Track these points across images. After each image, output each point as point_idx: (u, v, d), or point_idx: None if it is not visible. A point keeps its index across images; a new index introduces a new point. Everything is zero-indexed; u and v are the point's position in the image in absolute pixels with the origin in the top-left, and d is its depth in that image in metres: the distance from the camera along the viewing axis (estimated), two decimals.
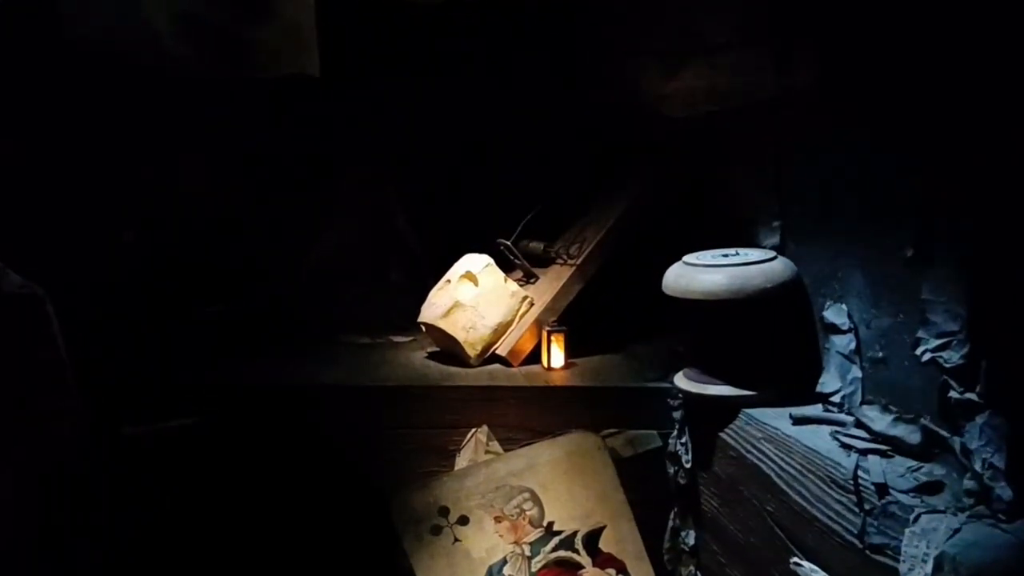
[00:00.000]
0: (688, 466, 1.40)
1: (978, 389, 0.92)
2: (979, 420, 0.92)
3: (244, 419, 1.55)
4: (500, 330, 1.70)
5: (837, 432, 1.13)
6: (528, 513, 1.49)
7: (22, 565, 1.26)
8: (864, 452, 1.05)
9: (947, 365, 0.96)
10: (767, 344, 1.30)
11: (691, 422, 1.41)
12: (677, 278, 1.32)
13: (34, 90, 1.67)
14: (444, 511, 1.46)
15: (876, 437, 1.08)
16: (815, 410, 1.23)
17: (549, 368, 1.64)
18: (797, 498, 1.12)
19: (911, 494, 0.96)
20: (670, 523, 1.48)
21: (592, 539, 1.48)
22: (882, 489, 0.97)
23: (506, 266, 1.83)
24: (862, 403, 1.18)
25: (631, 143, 1.87)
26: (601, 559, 1.48)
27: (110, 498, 1.43)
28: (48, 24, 1.57)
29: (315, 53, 1.72)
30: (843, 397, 1.21)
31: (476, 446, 1.52)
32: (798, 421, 1.20)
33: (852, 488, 1.00)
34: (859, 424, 1.13)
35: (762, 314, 1.27)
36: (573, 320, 1.68)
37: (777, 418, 1.22)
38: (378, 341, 1.89)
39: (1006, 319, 0.89)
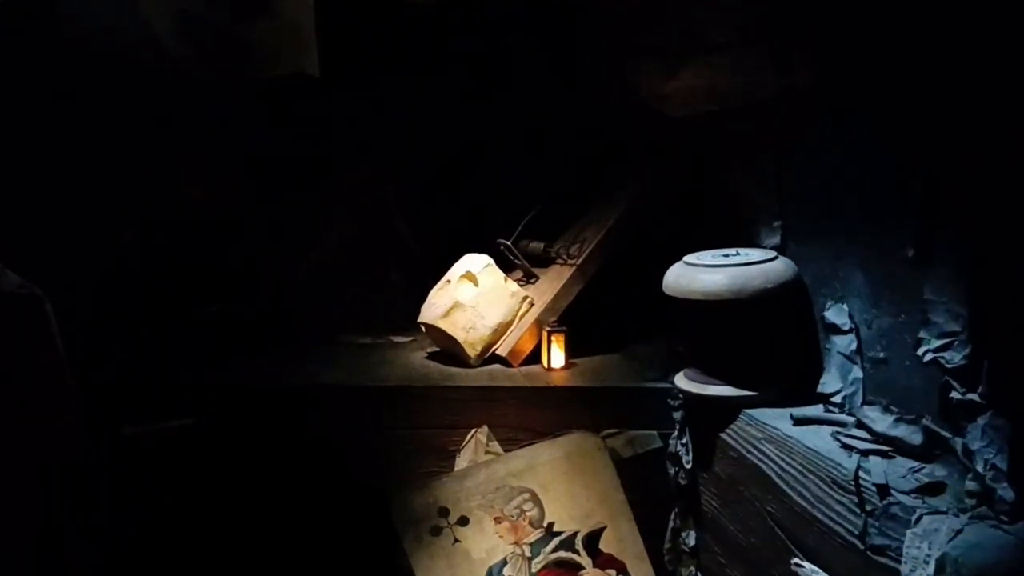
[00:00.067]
0: (688, 466, 1.40)
1: (980, 390, 0.92)
2: (981, 421, 0.92)
3: (244, 419, 1.55)
4: (500, 330, 1.70)
5: (838, 433, 1.13)
6: (528, 514, 1.49)
7: (22, 565, 1.26)
8: (865, 453, 1.05)
9: (949, 366, 0.96)
10: (768, 344, 1.30)
11: (691, 422, 1.40)
12: (677, 278, 1.32)
13: (34, 90, 1.67)
14: (444, 512, 1.46)
15: (877, 438, 1.08)
16: (816, 410, 1.22)
17: (549, 368, 1.64)
18: (798, 499, 1.11)
19: (913, 495, 0.95)
20: (670, 524, 1.47)
21: (592, 540, 1.48)
22: (883, 490, 0.97)
23: (506, 266, 1.83)
24: (863, 404, 1.17)
25: (631, 143, 1.87)
26: (601, 560, 1.47)
27: (110, 498, 1.43)
28: (48, 24, 1.57)
29: (315, 53, 1.72)
30: (844, 397, 1.20)
31: (476, 446, 1.51)
32: (799, 422, 1.20)
33: (853, 489, 1.00)
34: (860, 425, 1.12)
35: (763, 314, 1.27)
36: (573, 320, 1.68)
37: (778, 419, 1.22)
38: (378, 341, 1.88)
39: (1008, 319, 0.89)
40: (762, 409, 1.26)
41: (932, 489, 0.96)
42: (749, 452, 1.24)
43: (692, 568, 1.44)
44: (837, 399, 1.22)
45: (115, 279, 1.82)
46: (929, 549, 0.87)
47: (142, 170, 1.89)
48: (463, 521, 1.46)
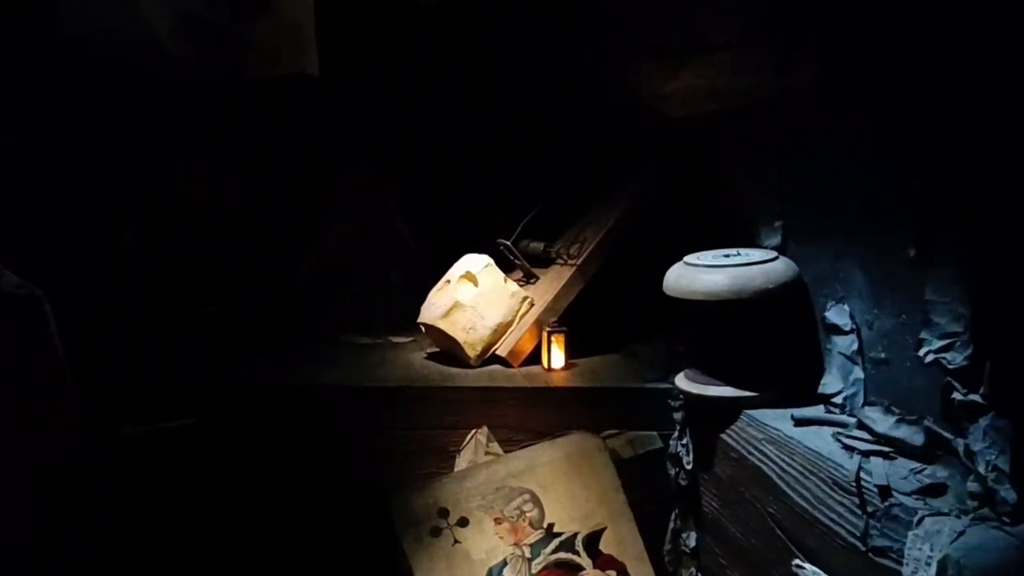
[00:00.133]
0: (689, 467, 1.40)
1: (982, 391, 0.91)
2: (983, 422, 0.91)
3: (243, 419, 1.55)
4: (500, 331, 1.70)
5: (839, 434, 1.13)
6: (528, 515, 1.48)
7: (22, 565, 1.26)
8: (866, 454, 1.05)
9: (950, 366, 0.95)
10: (768, 345, 1.29)
11: (692, 423, 1.40)
12: (678, 278, 1.32)
13: (33, 90, 1.67)
14: (444, 512, 1.46)
15: (878, 439, 1.08)
16: (817, 411, 1.22)
17: (549, 369, 1.64)
18: (799, 500, 1.11)
19: (914, 496, 0.95)
20: (671, 525, 1.47)
21: (592, 541, 1.48)
22: (885, 491, 0.96)
23: (506, 266, 1.83)
24: (864, 404, 1.17)
25: (631, 143, 1.87)
26: (601, 561, 1.47)
27: (110, 498, 1.43)
28: (48, 24, 1.57)
29: (314, 53, 1.72)
30: (845, 398, 1.20)
31: (476, 447, 1.51)
32: (800, 422, 1.19)
33: (854, 490, 0.99)
34: (861, 425, 1.12)
35: (763, 315, 1.27)
36: (573, 320, 1.67)
37: (778, 419, 1.22)
38: (377, 341, 1.88)
39: (1010, 320, 0.88)
40: (763, 410, 1.25)
41: (934, 490, 0.95)
42: (750, 453, 1.24)
43: (692, 569, 1.44)
44: (838, 400, 1.21)
45: (115, 279, 1.82)
46: (931, 551, 0.87)
47: (142, 170, 1.89)
48: (463, 522, 1.46)
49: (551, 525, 1.48)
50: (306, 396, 1.58)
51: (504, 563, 1.45)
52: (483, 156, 2.03)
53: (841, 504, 1.02)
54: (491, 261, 1.75)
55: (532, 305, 1.72)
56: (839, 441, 1.10)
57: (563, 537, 1.48)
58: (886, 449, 1.05)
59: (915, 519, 0.91)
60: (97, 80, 1.71)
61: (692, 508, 1.42)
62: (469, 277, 1.73)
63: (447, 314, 1.68)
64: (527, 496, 1.49)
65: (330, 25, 1.80)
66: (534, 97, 1.99)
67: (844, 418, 1.17)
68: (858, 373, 1.18)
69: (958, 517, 0.89)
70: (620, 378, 1.60)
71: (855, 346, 1.18)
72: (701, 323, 1.34)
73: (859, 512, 0.98)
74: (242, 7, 1.65)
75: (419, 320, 1.75)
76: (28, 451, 1.25)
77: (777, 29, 1.32)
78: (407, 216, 2.05)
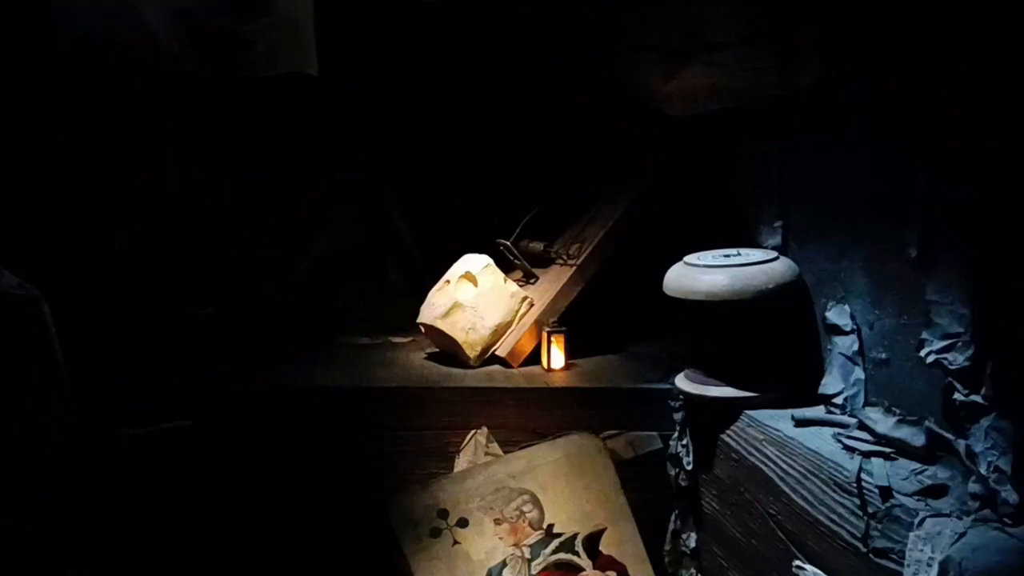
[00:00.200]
0: (689, 468, 1.39)
1: (983, 391, 0.91)
2: (984, 423, 0.91)
3: (241, 421, 1.54)
4: (500, 331, 1.69)
5: (840, 434, 1.13)
6: (528, 515, 1.48)
7: (17, 567, 1.25)
8: (867, 454, 1.04)
9: (952, 367, 0.95)
10: (769, 345, 1.29)
11: (692, 424, 1.40)
12: (678, 278, 1.31)
13: (29, 89, 1.66)
14: (443, 513, 1.45)
15: (879, 439, 1.07)
16: (817, 412, 1.22)
17: (549, 369, 1.63)
18: (799, 501, 1.11)
19: (915, 497, 0.95)
20: (671, 525, 1.47)
21: (592, 541, 1.48)
22: (886, 492, 0.96)
23: (506, 266, 1.82)
24: (865, 405, 1.17)
25: (632, 143, 1.86)
26: (601, 561, 1.47)
27: (106, 500, 1.42)
28: (42, 22, 1.55)
29: (313, 52, 1.71)
30: (846, 399, 1.20)
31: (475, 448, 1.51)
32: (800, 423, 1.19)
33: (855, 491, 0.99)
34: (862, 426, 1.12)
35: (764, 315, 1.26)
36: (573, 321, 1.67)
37: (779, 420, 1.21)
38: (377, 342, 1.87)
39: (1011, 320, 0.88)
40: (763, 410, 1.25)
41: (935, 491, 0.95)
42: (750, 453, 1.24)
43: (693, 570, 1.43)
44: (839, 400, 1.21)
45: (111, 280, 1.81)
46: (932, 552, 0.87)
47: (139, 170, 1.88)
48: (462, 523, 1.46)
49: (551, 526, 1.48)
50: (305, 397, 1.57)
51: (504, 564, 1.45)
52: (483, 156, 2.03)
53: (842, 505, 1.02)
54: (491, 261, 1.75)
55: (532, 305, 1.72)
56: (840, 442, 1.10)
57: (563, 538, 1.47)
58: (887, 450, 1.05)
59: (916, 520, 0.91)
60: (93, 79, 1.70)
61: (692, 509, 1.42)
62: (469, 277, 1.72)
63: (447, 314, 1.67)
64: (527, 497, 1.48)
65: (329, 24, 1.79)
66: (535, 97, 1.98)
67: (845, 419, 1.17)
68: (859, 374, 1.18)
69: (959, 518, 0.89)
70: (620, 378, 1.60)
71: (856, 346, 1.18)
72: (701, 323, 1.34)
73: (860, 513, 0.98)
74: (241, 5, 1.64)
75: (418, 320, 1.74)
76: (23, 452, 1.24)
77: (778, 29, 1.32)
78: (406, 216, 2.04)
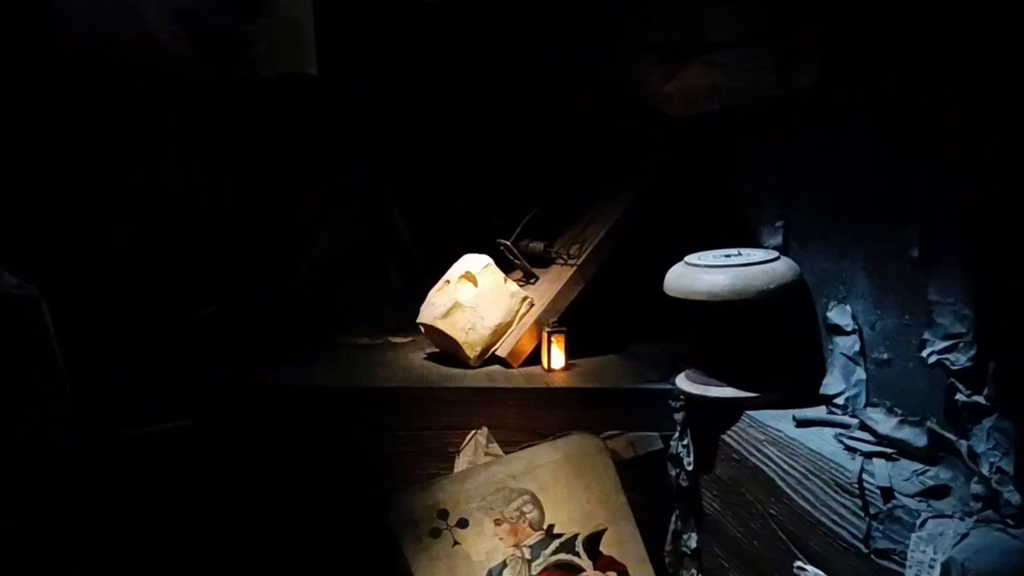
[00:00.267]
0: (690, 468, 1.39)
1: (985, 392, 0.91)
2: (986, 423, 0.91)
3: (241, 421, 1.53)
4: (500, 331, 1.69)
5: (841, 435, 1.12)
6: (528, 516, 1.48)
7: (17, 567, 1.25)
8: (869, 455, 1.04)
9: (954, 367, 0.95)
10: (770, 345, 1.29)
11: (693, 424, 1.39)
12: (679, 278, 1.31)
13: (29, 89, 1.66)
14: (443, 514, 1.45)
15: (881, 440, 1.07)
16: (819, 412, 1.21)
17: (549, 369, 1.63)
18: (801, 501, 1.10)
19: (917, 498, 0.94)
20: (672, 526, 1.46)
21: (593, 542, 1.47)
22: (887, 493, 0.96)
23: (506, 266, 1.82)
24: (866, 405, 1.16)
25: (632, 142, 1.86)
26: (602, 562, 1.46)
27: (105, 500, 1.42)
28: (42, 22, 1.55)
29: (313, 51, 1.71)
30: (847, 399, 1.19)
31: (476, 448, 1.50)
32: (801, 423, 1.19)
33: (857, 492, 0.99)
34: (863, 427, 1.12)
35: (765, 315, 1.26)
36: (573, 321, 1.67)
37: (780, 420, 1.21)
38: (376, 342, 1.87)
39: (1014, 321, 0.88)
40: (764, 411, 1.25)
41: (937, 492, 0.95)
42: (751, 454, 1.23)
43: (693, 571, 1.43)
44: (840, 401, 1.21)
45: (111, 280, 1.80)
46: (934, 553, 0.86)
47: (139, 170, 1.87)
48: (463, 523, 1.45)
49: (551, 526, 1.48)
50: (305, 397, 1.57)
51: (504, 564, 1.44)
52: (483, 155, 2.02)
53: (843, 506, 1.02)
54: (491, 261, 1.75)
55: (532, 305, 1.71)
56: (841, 442, 1.10)
57: (563, 538, 1.47)
58: (889, 450, 1.04)
59: (918, 521, 0.90)
60: (93, 79, 1.70)
61: (693, 509, 1.41)
62: (469, 277, 1.72)
63: (447, 314, 1.67)
64: (527, 497, 1.48)
65: (329, 24, 1.79)
66: (535, 96, 1.98)
67: (846, 419, 1.17)
68: (860, 374, 1.17)
69: (962, 519, 0.88)
70: (620, 379, 1.59)
71: (857, 347, 1.18)
72: (702, 323, 1.34)
73: (861, 514, 0.98)
74: (241, 5, 1.64)
75: (418, 320, 1.74)
76: (23, 452, 1.24)
77: (778, 29, 1.32)
78: (406, 216, 2.04)
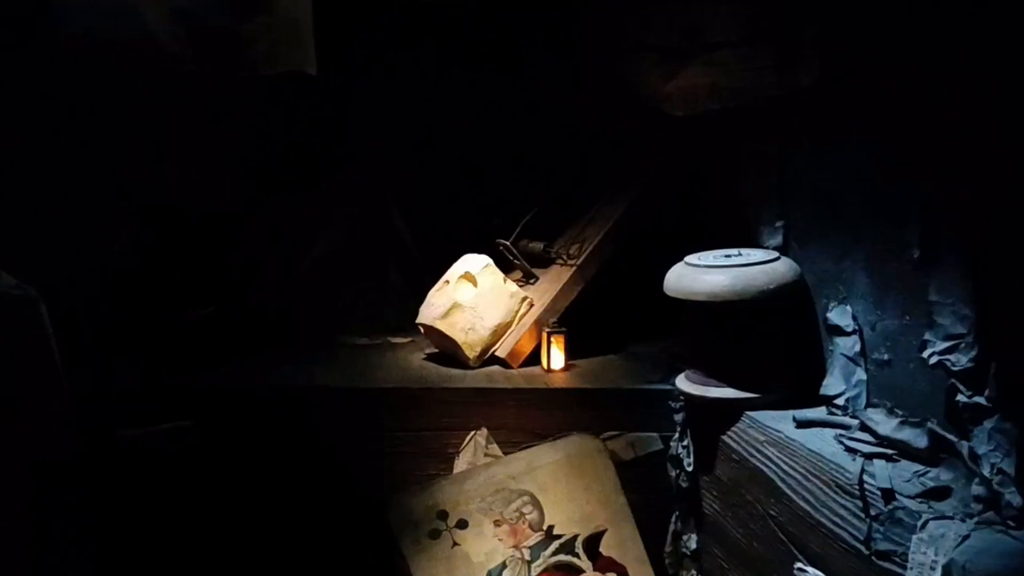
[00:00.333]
0: (690, 469, 1.39)
1: (987, 393, 0.90)
2: (988, 424, 0.90)
3: (240, 422, 1.53)
4: (499, 331, 1.69)
5: (841, 436, 1.12)
6: (528, 517, 1.47)
7: (16, 568, 1.25)
8: (870, 456, 1.04)
9: (955, 368, 0.94)
10: (770, 346, 1.29)
11: (693, 425, 1.39)
12: (679, 279, 1.31)
13: (28, 89, 1.66)
14: (443, 515, 1.45)
15: (881, 441, 1.07)
16: (819, 413, 1.21)
17: (549, 370, 1.63)
18: (801, 503, 1.10)
19: (918, 499, 0.94)
20: (671, 527, 1.46)
21: (593, 543, 1.47)
22: (888, 494, 0.95)
23: (505, 266, 1.82)
24: (867, 406, 1.16)
25: (632, 142, 1.86)
26: (602, 563, 1.46)
27: (105, 501, 1.41)
28: (42, 22, 1.56)
29: (312, 51, 1.70)
30: (847, 400, 1.19)
31: (475, 449, 1.50)
32: (802, 424, 1.18)
33: (858, 493, 0.99)
34: (864, 427, 1.11)
35: (765, 315, 1.26)
36: (573, 321, 1.66)
37: (780, 421, 1.21)
38: (376, 342, 1.87)
39: (1015, 321, 0.87)
40: (764, 411, 1.25)
41: (938, 494, 0.95)
42: (751, 455, 1.23)
43: (693, 572, 1.43)
44: (840, 401, 1.20)
45: (111, 280, 1.80)
46: (935, 555, 0.86)
47: (139, 170, 1.87)
48: (462, 524, 1.45)
49: (551, 527, 1.47)
50: (304, 398, 1.57)
51: (503, 565, 1.44)
52: (483, 155, 2.02)
53: (844, 507, 1.01)
54: (490, 261, 1.74)
55: (532, 306, 1.71)
56: (841, 443, 1.10)
57: (563, 539, 1.47)
58: (889, 451, 1.04)
59: (919, 523, 0.90)
60: (93, 79, 1.70)
61: (693, 510, 1.41)
62: (468, 277, 1.72)
63: (446, 315, 1.67)
64: (527, 498, 1.48)
65: (329, 24, 1.78)
66: (535, 96, 1.98)
67: (846, 420, 1.16)
68: (860, 375, 1.17)
69: (963, 521, 0.88)
70: (620, 379, 1.59)
71: (857, 347, 1.17)
72: (702, 324, 1.33)
73: (862, 515, 0.97)
74: (240, 5, 1.64)
75: (418, 321, 1.74)
76: (23, 452, 1.24)
77: (778, 28, 1.31)
78: (406, 216, 2.04)
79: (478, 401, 1.53)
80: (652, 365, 1.62)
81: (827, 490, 1.05)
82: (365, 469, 1.51)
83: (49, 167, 1.71)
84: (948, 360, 0.95)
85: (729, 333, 1.29)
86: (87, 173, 1.78)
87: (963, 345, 0.94)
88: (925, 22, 0.98)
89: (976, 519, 0.88)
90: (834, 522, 1.03)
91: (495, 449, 1.51)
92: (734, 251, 1.33)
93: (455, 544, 1.44)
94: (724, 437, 1.30)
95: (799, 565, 1.10)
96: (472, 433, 1.51)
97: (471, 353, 1.66)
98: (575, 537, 1.47)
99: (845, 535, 1.00)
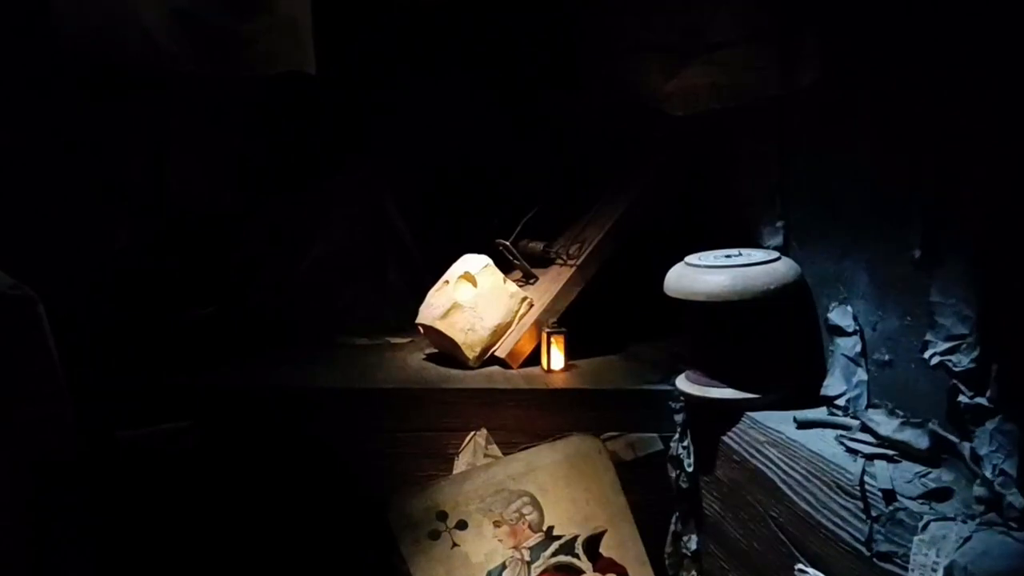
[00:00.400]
0: (690, 470, 1.38)
1: (988, 393, 0.90)
2: (989, 425, 0.90)
3: (239, 422, 1.53)
4: (499, 332, 1.68)
5: (842, 436, 1.11)
6: (528, 517, 1.47)
7: (16, 567, 1.25)
8: (870, 457, 1.03)
9: (956, 369, 0.94)
10: (770, 346, 1.28)
11: (693, 425, 1.39)
12: (679, 279, 1.30)
13: (27, 88, 1.66)
14: (442, 515, 1.45)
15: (882, 442, 1.06)
16: (820, 414, 1.21)
17: (549, 370, 1.62)
18: (802, 504, 1.10)
19: (919, 501, 0.94)
20: (672, 528, 1.46)
21: (592, 544, 1.47)
22: (889, 495, 0.95)
23: (505, 267, 1.81)
24: (868, 407, 1.16)
25: (632, 142, 1.85)
26: (602, 564, 1.46)
27: (104, 502, 1.41)
28: (42, 22, 1.56)
29: (312, 51, 1.70)
30: (848, 400, 1.19)
31: (475, 449, 1.50)
32: (802, 425, 1.18)
33: (858, 494, 0.98)
34: (865, 428, 1.11)
35: (765, 316, 1.25)
36: (573, 321, 1.66)
37: (781, 422, 1.20)
38: (375, 343, 1.87)
39: (1017, 322, 0.87)
40: (765, 412, 1.24)
41: (939, 495, 0.94)
42: (752, 456, 1.22)
43: (694, 572, 1.42)
44: (841, 402, 1.20)
45: (111, 280, 1.80)
46: (937, 556, 0.85)
47: (139, 170, 1.87)
48: (462, 525, 1.45)
49: (551, 528, 1.47)
50: (303, 398, 1.57)
51: (503, 566, 1.44)
52: (483, 155, 2.02)
53: (845, 508, 1.01)
54: (490, 261, 1.74)
55: (531, 306, 1.71)
56: (842, 444, 1.09)
57: (563, 540, 1.46)
58: (890, 452, 1.04)
59: (920, 524, 0.89)
60: (91, 79, 1.70)
61: (693, 511, 1.41)
62: (468, 278, 1.71)
63: (445, 315, 1.67)
64: (526, 499, 1.47)
65: (329, 24, 1.78)
66: (535, 96, 1.97)
67: (847, 420, 1.16)
68: (861, 375, 1.16)
69: (964, 522, 0.88)
70: (620, 380, 1.58)
71: (858, 348, 1.17)
72: (702, 324, 1.33)
73: (863, 516, 0.97)
74: (240, 5, 1.64)
75: (417, 321, 1.74)
76: (22, 454, 1.24)
77: (779, 28, 1.31)
78: (405, 216, 2.04)
79: (478, 402, 1.52)
80: (652, 365, 1.62)
81: (828, 491, 1.04)
82: (365, 469, 1.50)
83: (49, 167, 1.71)
84: (950, 361, 0.95)
85: (729, 333, 1.28)
86: (87, 173, 1.78)
87: (965, 346, 0.93)
88: (925, 22, 0.98)
89: (978, 520, 0.87)
90: (835, 523, 1.02)
91: (495, 450, 1.50)
92: (734, 251, 1.32)
93: (455, 545, 1.43)
94: (724, 438, 1.29)
95: (800, 566, 1.09)
96: (472, 434, 1.51)
97: (471, 353, 1.66)
98: (575, 538, 1.47)
99: (846, 536, 1.00)
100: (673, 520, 1.45)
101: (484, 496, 1.46)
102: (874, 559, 0.95)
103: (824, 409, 1.22)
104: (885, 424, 1.08)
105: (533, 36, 1.99)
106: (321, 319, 1.93)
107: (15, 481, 1.23)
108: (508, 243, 1.81)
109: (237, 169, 1.98)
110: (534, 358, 1.66)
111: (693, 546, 1.42)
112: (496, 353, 1.68)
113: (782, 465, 1.15)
